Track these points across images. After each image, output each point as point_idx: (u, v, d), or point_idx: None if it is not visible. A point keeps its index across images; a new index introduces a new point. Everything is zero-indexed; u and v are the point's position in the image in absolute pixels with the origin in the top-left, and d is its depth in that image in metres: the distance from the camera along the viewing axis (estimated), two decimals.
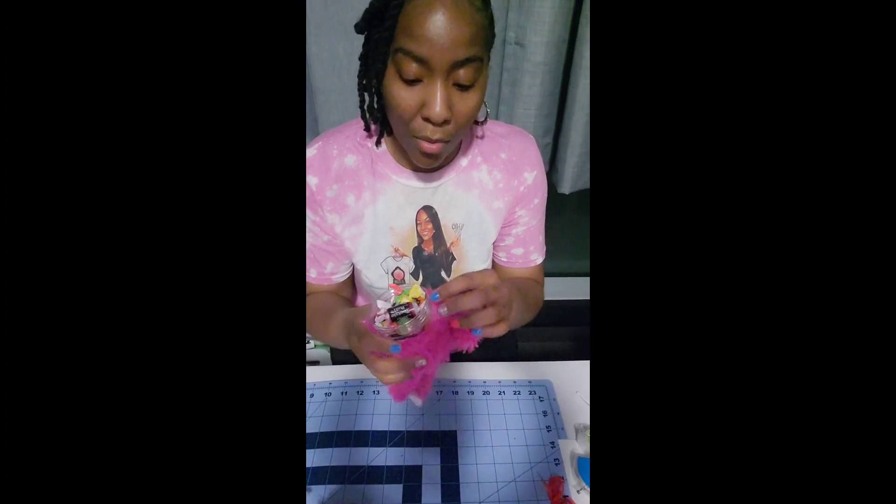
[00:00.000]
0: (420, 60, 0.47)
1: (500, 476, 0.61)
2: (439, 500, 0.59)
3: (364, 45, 0.54)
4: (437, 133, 0.51)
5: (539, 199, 0.70)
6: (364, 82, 0.56)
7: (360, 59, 0.55)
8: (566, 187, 1.26)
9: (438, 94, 0.49)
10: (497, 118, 1.18)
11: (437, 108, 0.49)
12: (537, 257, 0.74)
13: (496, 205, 0.67)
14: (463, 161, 0.65)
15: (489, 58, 0.53)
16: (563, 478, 0.61)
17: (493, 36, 0.53)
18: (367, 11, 0.51)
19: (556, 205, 1.44)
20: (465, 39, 0.47)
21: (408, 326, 0.45)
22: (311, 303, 0.68)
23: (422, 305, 0.47)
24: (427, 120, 0.51)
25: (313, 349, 1.37)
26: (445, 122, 0.51)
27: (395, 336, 0.46)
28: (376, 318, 0.47)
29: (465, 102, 0.51)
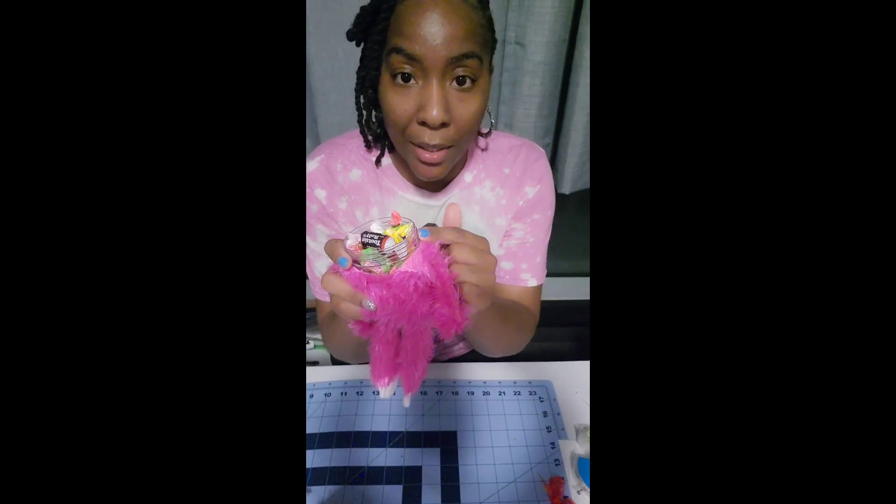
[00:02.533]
0: (413, 59, 0.46)
1: (501, 477, 0.61)
2: (439, 500, 0.59)
3: (361, 57, 0.53)
4: (434, 138, 0.48)
5: (539, 216, 0.67)
6: (361, 97, 0.55)
7: (357, 73, 0.54)
8: (566, 187, 1.26)
9: (434, 94, 0.46)
10: (497, 118, 1.18)
11: (434, 110, 0.46)
12: (529, 278, 0.68)
13: (498, 221, 0.66)
14: (467, 177, 0.64)
15: (490, 61, 0.51)
16: (563, 478, 0.61)
17: (494, 40, 0.51)
18: (358, 17, 0.49)
19: (557, 205, 1.44)
20: (460, 35, 0.45)
21: (367, 259, 0.37)
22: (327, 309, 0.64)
23: (397, 245, 0.37)
24: (423, 124, 0.48)
25: (313, 349, 1.37)
26: (443, 125, 0.48)
27: (356, 264, 0.38)
28: (351, 234, 0.39)
29: (466, 106, 0.48)
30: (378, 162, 0.61)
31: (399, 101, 0.48)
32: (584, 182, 1.27)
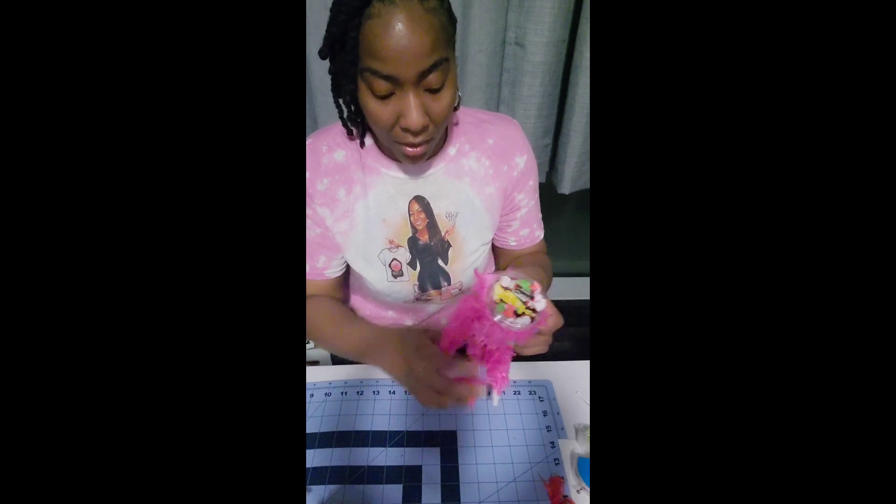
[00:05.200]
0: (388, 78, 0.49)
1: (500, 476, 0.61)
2: (439, 500, 0.59)
3: (331, 63, 0.54)
4: (417, 137, 0.54)
5: (533, 181, 0.73)
6: (339, 99, 0.58)
7: (329, 72, 0.56)
8: (566, 187, 1.26)
9: (412, 103, 0.51)
10: None
11: (415, 119, 0.51)
12: (540, 233, 0.78)
13: (488, 190, 0.69)
14: (451, 150, 0.66)
15: (454, 52, 0.54)
16: (563, 478, 0.61)
17: (454, 23, 0.53)
18: (326, 37, 0.51)
19: (556, 205, 1.44)
20: (427, 49, 0.48)
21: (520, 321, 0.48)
22: (313, 307, 0.68)
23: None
24: (406, 129, 0.53)
25: (313, 349, 1.37)
26: (424, 128, 0.53)
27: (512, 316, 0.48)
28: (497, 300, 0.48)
29: (439, 103, 0.53)
30: (362, 144, 0.65)
31: (381, 111, 0.52)
32: (584, 182, 1.27)
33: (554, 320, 0.51)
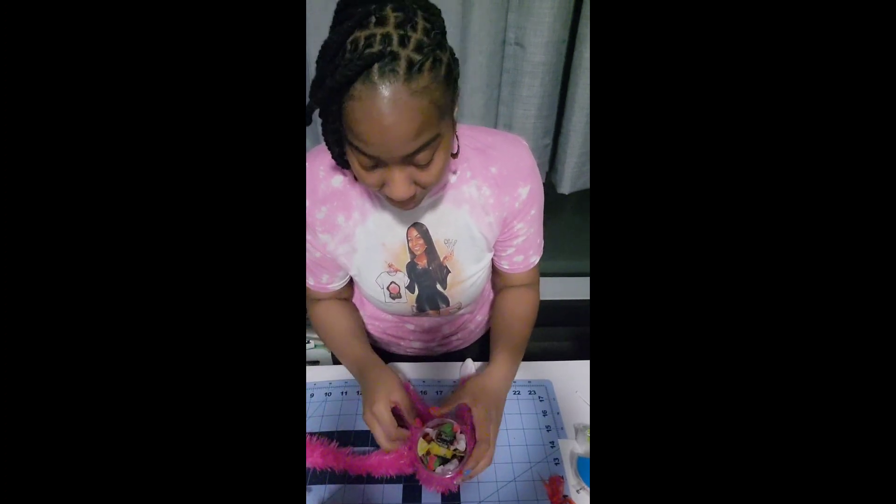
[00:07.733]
0: (371, 157, 0.47)
1: (500, 476, 0.61)
2: (439, 500, 0.59)
3: (320, 118, 0.51)
4: (404, 203, 0.53)
5: (536, 210, 0.69)
6: (329, 137, 0.55)
7: (319, 115, 0.52)
8: (566, 187, 1.26)
9: (397, 178, 0.49)
10: (497, 118, 1.18)
11: (399, 193, 0.50)
12: (535, 258, 0.75)
13: (487, 219, 0.66)
14: (451, 177, 0.64)
15: (452, 117, 0.51)
16: (562, 477, 0.61)
17: (455, 86, 0.50)
18: (310, 105, 0.48)
19: (556, 205, 1.44)
20: (411, 135, 0.45)
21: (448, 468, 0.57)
22: (320, 311, 0.74)
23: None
24: (389, 198, 0.51)
25: (313, 349, 1.37)
26: (411, 197, 0.51)
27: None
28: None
29: (428, 173, 0.50)
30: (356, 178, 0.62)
31: (366, 176, 0.50)
32: (584, 182, 1.27)
33: (481, 450, 0.56)
